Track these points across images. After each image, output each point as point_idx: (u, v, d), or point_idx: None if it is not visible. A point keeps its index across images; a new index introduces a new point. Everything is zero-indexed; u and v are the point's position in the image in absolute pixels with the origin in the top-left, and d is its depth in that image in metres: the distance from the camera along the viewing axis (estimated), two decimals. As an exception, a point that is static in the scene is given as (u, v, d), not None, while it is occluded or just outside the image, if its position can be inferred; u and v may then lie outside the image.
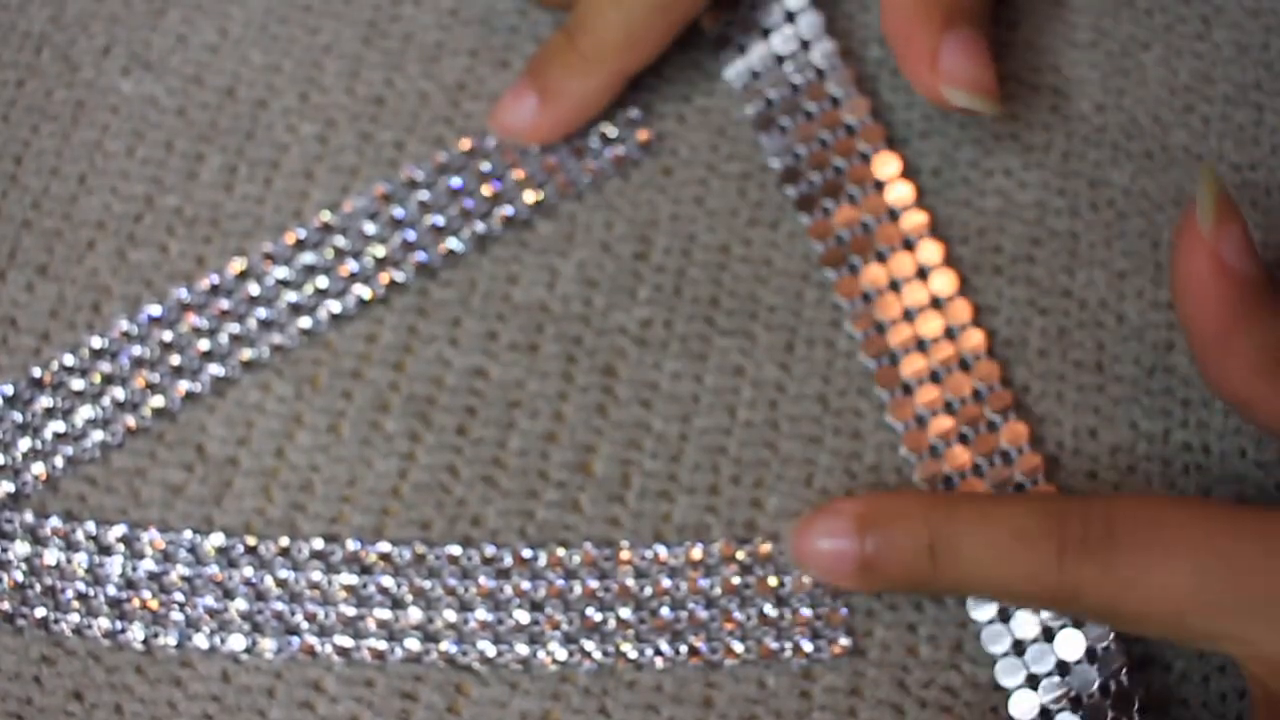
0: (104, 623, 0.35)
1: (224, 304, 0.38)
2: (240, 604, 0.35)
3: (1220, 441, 0.37)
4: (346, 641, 0.35)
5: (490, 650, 0.35)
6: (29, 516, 0.36)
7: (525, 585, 0.35)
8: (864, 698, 0.35)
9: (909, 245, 0.38)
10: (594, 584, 0.35)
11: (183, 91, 0.41)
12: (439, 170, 0.39)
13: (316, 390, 0.38)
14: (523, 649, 0.35)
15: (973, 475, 0.36)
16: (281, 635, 0.35)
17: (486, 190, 0.39)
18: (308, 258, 0.39)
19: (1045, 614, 0.34)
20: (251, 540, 0.36)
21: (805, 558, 0.33)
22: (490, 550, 0.36)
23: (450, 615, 0.35)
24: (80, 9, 0.42)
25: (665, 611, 0.35)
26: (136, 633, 0.35)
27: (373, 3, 0.41)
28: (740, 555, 0.35)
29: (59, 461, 0.37)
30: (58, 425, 0.37)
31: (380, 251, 0.39)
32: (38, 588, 0.36)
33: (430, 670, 0.35)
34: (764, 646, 0.35)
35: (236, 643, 0.35)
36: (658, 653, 0.35)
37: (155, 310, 0.38)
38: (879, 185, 0.38)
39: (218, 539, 0.36)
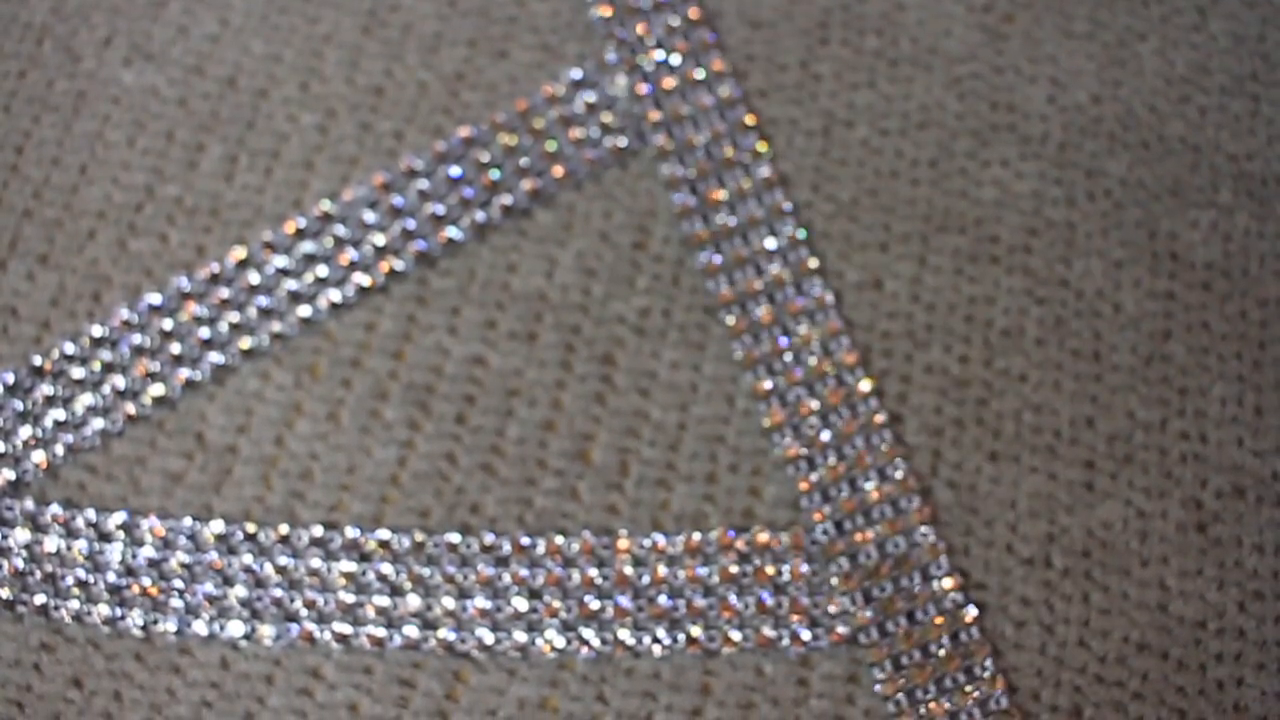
0: (104, 609, 0.35)
1: (224, 293, 0.38)
2: (239, 591, 0.35)
3: (1218, 430, 0.37)
4: (345, 628, 0.35)
5: (489, 638, 0.35)
6: (29, 504, 0.36)
7: (524, 573, 0.35)
8: (861, 685, 0.35)
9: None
10: (592, 572, 0.35)
11: (183, 82, 0.41)
12: (438, 159, 0.39)
13: (316, 378, 0.38)
14: (521, 636, 0.35)
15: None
16: (281, 622, 0.35)
17: (485, 179, 0.39)
18: (307, 246, 0.39)
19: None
20: (251, 527, 0.36)
21: None
22: (489, 538, 0.36)
23: (449, 602, 0.35)
24: (81, 0, 0.42)
25: (663, 600, 0.35)
26: (136, 619, 0.35)
27: (373, -6, 0.42)
28: (738, 544, 0.36)
29: (59, 449, 0.37)
30: (58, 413, 0.37)
31: (380, 240, 0.39)
32: (38, 575, 0.36)
33: (429, 657, 0.35)
34: (762, 635, 0.35)
35: (235, 630, 0.35)
36: (656, 641, 0.35)
37: (155, 299, 0.38)
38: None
39: (217, 526, 0.36)
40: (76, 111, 0.40)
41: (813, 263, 0.38)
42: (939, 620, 0.35)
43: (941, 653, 0.34)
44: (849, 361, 0.37)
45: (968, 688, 0.34)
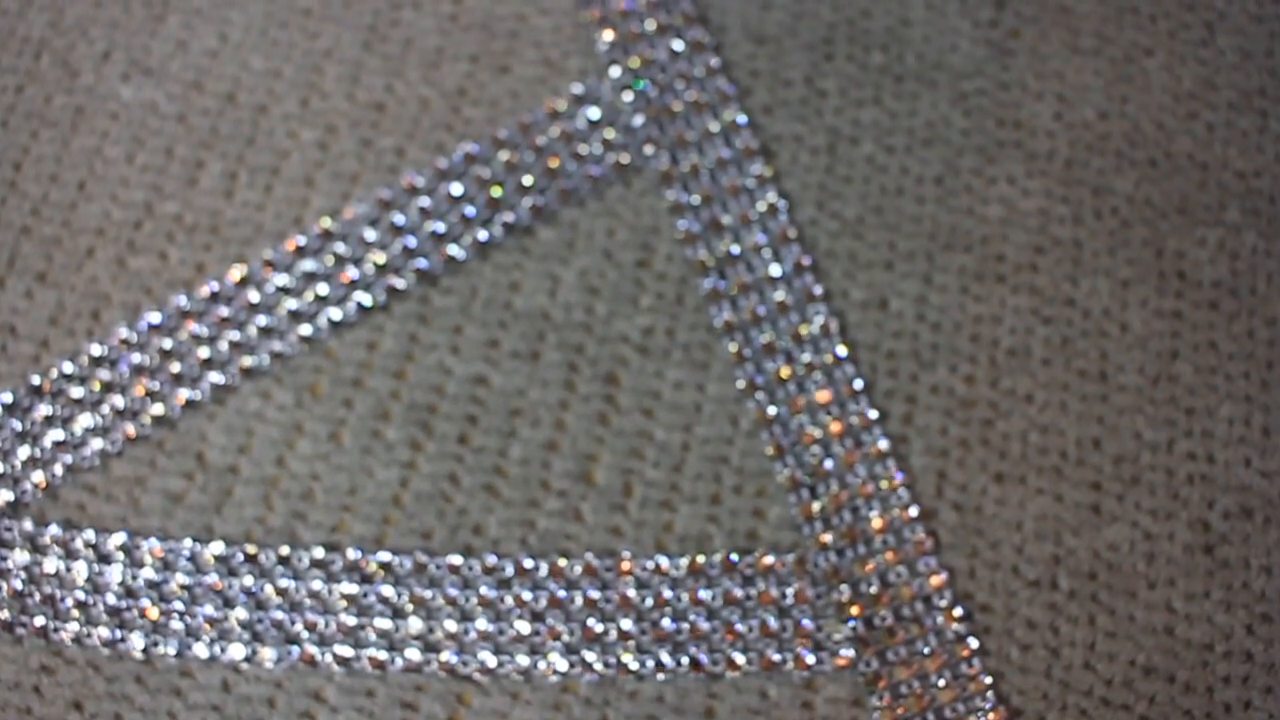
0: (103, 631, 0.35)
1: (224, 311, 0.38)
2: (240, 613, 0.35)
3: (1225, 450, 0.37)
4: (347, 651, 0.35)
5: (491, 661, 0.35)
6: (28, 525, 0.36)
7: (526, 595, 0.35)
8: (865, 709, 0.34)
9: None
10: (595, 594, 0.35)
11: (183, 97, 0.40)
12: (440, 176, 0.39)
13: (317, 398, 0.37)
14: (524, 659, 0.35)
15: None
16: (282, 644, 0.35)
17: (487, 196, 0.39)
18: (308, 265, 0.38)
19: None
20: (252, 549, 0.36)
21: None
22: (491, 560, 0.36)
23: (451, 625, 0.35)
24: (80, 14, 0.41)
25: (666, 623, 0.35)
26: (136, 642, 0.35)
27: (372, 8, 0.41)
28: (742, 566, 0.35)
29: (58, 469, 0.37)
30: (57, 433, 0.37)
31: (381, 258, 0.38)
32: (37, 596, 0.35)
33: (431, 680, 0.35)
34: (765, 658, 0.35)
35: (236, 652, 0.35)
36: (659, 664, 0.35)
37: (155, 318, 0.38)
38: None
39: (218, 547, 0.36)
40: (75, 127, 0.40)
41: (817, 289, 0.38)
42: (939, 652, 0.34)
43: (941, 684, 0.34)
44: (852, 391, 0.37)
45: (969, 718, 0.34)
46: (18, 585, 0.35)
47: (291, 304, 0.38)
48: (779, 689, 0.35)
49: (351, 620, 0.35)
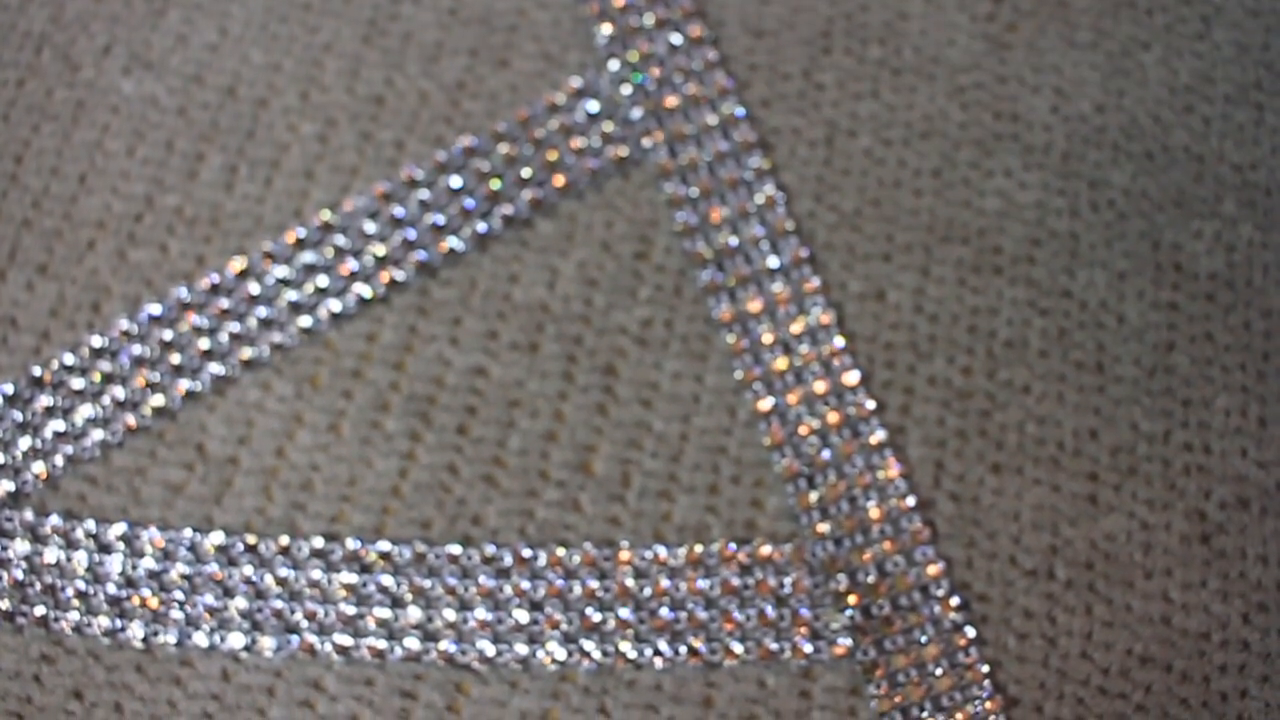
0: (104, 621, 0.35)
1: (224, 303, 0.38)
2: (240, 602, 0.35)
3: (1221, 441, 0.37)
4: (346, 640, 0.35)
5: (490, 649, 0.35)
6: (29, 515, 0.36)
7: (525, 585, 0.35)
8: (863, 698, 0.35)
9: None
10: (593, 584, 0.35)
11: (183, 91, 0.41)
12: (439, 169, 0.39)
13: (317, 389, 0.38)
14: (522, 648, 0.35)
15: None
16: (281, 634, 0.35)
17: (486, 189, 0.39)
18: (308, 257, 0.39)
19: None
20: (251, 539, 0.36)
21: None
22: (490, 549, 0.36)
23: (450, 614, 0.35)
24: (80, 9, 0.42)
25: (665, 612, 0.35)
26: (136, 631, 0.35)
27: (372, 2, 0.41)
28: (740, 556, 0.35)
29: (59, 460, 0.37)
30: (58, 424, 0.37)
31: (380, 250, 0.39)
32: (38, 586, 0.36)
33: (430, 669, 0.35)
34: (763, 648, 0.35)
35: (236, 641, 0.35)
36: (657, 653, 0.35)
37: (155, 309, 0.38)
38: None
39: (218, 537, 0.36)
40: (76, 121, 0.40)
41: (815, 281, 0.38)
42: (936, 641, 0.34)
43: (938, 672, 0.34)
44: (850, 383, 0.37)
45: (966, 706, 0.34)
46: (18, 575, 0.36)
47: (291, 296, 0.38)
48: (777, 678, 0.35)
49: (351, 609, 0.35)
